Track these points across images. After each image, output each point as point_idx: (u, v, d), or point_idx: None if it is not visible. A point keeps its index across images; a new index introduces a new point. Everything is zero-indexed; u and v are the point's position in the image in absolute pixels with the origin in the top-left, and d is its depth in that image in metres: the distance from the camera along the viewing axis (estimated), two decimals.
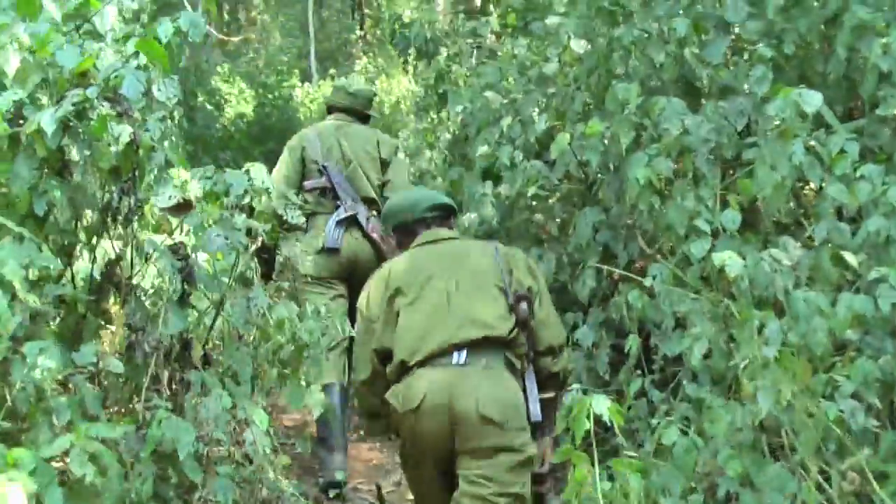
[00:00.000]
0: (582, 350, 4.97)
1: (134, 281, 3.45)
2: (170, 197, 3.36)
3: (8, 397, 2.81)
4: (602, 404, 2.81)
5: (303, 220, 4.28)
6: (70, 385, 3.11)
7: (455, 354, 3.62)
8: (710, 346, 3.75)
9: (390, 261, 4.11)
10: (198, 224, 3.50)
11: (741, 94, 4.49)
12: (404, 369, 3.67)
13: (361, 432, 6.14)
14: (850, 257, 3.59)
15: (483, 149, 5.75)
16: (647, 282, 4.23)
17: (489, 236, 5.90)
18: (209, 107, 10.78)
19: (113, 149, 3.24)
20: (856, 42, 4.21)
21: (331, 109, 6.09)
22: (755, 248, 3.98)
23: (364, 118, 6.06)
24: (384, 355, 3.78)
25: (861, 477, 3.12)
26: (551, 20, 5.72)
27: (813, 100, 3.75)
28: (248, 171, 3.62)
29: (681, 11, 4.70)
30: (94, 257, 3.46)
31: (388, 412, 3.75)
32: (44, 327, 3.24)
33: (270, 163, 5.32)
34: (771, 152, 3.85)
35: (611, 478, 2.95)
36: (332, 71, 18.71)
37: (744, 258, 3.70)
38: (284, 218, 4.11)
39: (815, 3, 4.49)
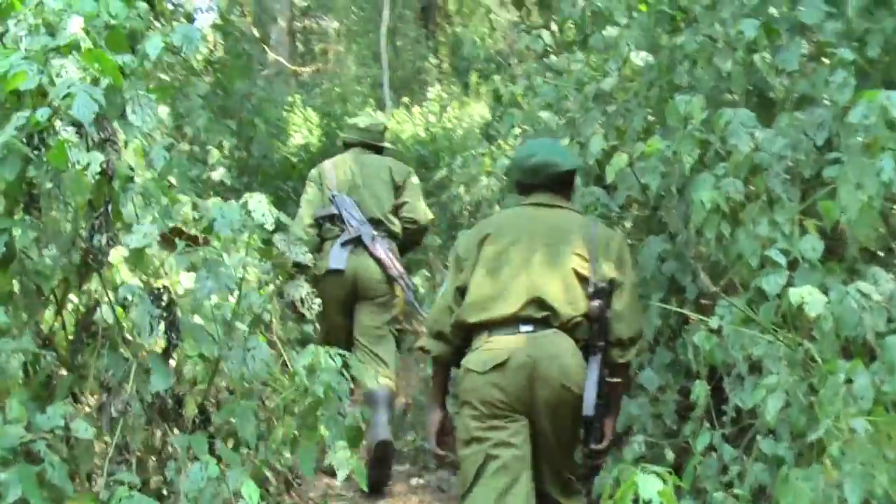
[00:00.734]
0: (647, 395, 4.43)
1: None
2: (144, 234, 2.88)
3: None
4: (651, 487, 2.27)
5: (308, 257, 3.90)
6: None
7: (521, 325, 3.74)
8: (788, 399, 3.17)
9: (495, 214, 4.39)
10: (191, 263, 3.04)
11: (820, 104, 3.90)
12: (471, 325, 3.82)
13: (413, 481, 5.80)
14: None
15: None
16: (715, 321, 3.68)
17: None
18: (270, 136, 10.42)
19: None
20: None
21: (347, 146, 6.49)
22: (839, 281, 3.40)
23: (377, 150, 6.45)
24: (460, 292, 3.93)
25: None
26: (610, 31, 5.20)
27: None
28: (244, 204, 3.15)
29: (749, 13, 4.14)
30: (67, 304, 3.01)
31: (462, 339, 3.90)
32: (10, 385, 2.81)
33: None
34: (856, 169, 3.24)
35: None
36: (405, 99, 18.40)
37: (826, 293, 3.15)
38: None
39: None
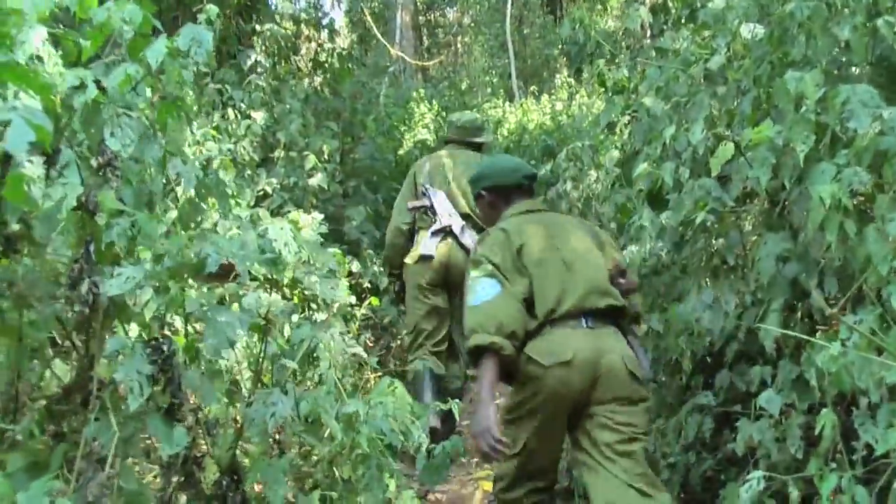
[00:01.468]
0: (768, 419, 3.83)
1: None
2: (126, 279, 2.42)
3: None
4: None
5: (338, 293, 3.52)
6: None
7: (583, 319, 3.96)
8: None
9: (499, 225, 4.31)
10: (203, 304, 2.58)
11: None
12: (539, 327, 3.95)
13: None
14: None
15: (642, 167, 4.66)
16: (840, 339, 3.08)
17: (655, 273, 4.82)
18: (382, 134, 10.02)
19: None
20: None
21: (446, 142, 6.86)
22: None
23: (475, 146, 6.71)
24: (518, 297, 3.98)
25: None
26: (717, 1, 4.58)
27: None
28: (264, 232, 2.68)
29: None
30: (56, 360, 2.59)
31: (519, 367, 3.94)
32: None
33: None
34: None
35: None
36: (532, 88, 17.92)
37: None
38: None
39: None
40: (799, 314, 4.14)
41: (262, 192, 7.03)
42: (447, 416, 5.30)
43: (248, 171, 6.85)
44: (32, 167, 2.25)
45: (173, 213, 3.29)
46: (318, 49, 9.63)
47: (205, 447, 2.67)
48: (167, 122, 3.00)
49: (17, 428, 2.49)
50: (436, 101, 14.31)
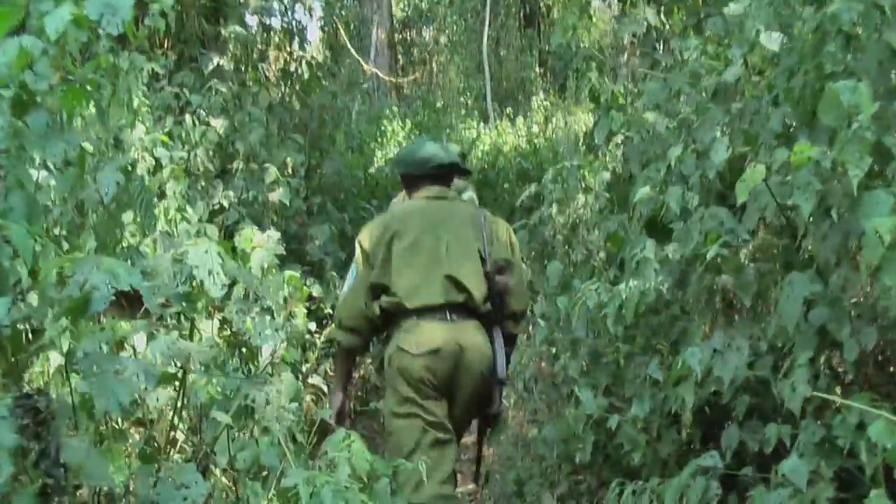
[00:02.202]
0: (789, 489, 3.22)
1: None
2: None
3: None
4: None
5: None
6: None
7: (447, 312, 4.08)
8: None
9: (394, 206, 4.72)
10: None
11: None
12: (401, 311, 4.10)
13: None
14: None
15: (643, 191, 4.06)
16: None
17: (655, 311, 4.20)
18: (352, 150, 9.38)
19: None
20: None
21: None
22: None
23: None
24: (377, 290, 4.17)
25: None
26: (733, 7, 3.98)
27: None
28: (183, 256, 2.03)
29: None
30: None
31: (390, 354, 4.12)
32: None
33: None
34: None
35: None
36: (508, 110, 17.40)
37: None
38: None
39: None
40: (821, 365, 3.56)
41: (218, 206, 6.37)
42: None
43: (203, 183, 6.19)
44: None
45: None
46: (288, 58, 9.01)
47: None
48: (75, 111, 2.35)
49: None
50: (409, 120, 13.74)
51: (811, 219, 3.27)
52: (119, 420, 2.21)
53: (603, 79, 5.22)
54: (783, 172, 3.18)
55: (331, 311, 6.57)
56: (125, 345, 2.40)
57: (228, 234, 6.38)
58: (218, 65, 7.05)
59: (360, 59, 16.99)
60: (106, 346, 2.03)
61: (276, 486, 2.53)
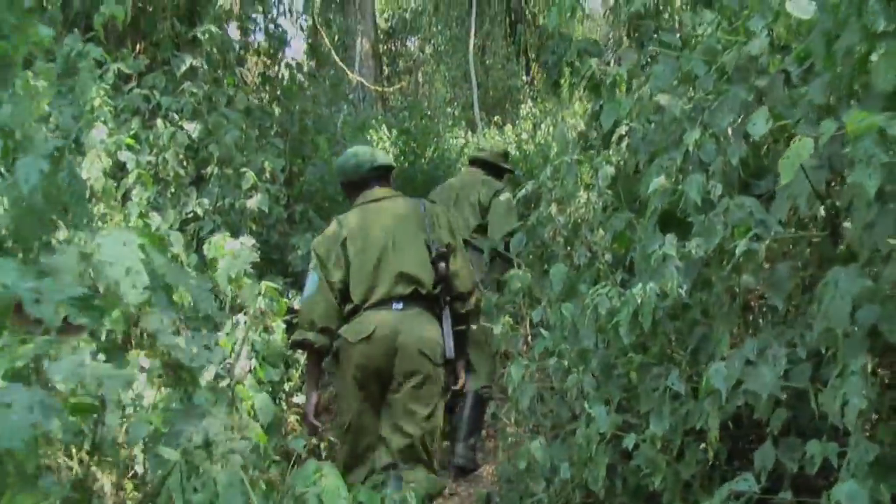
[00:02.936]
0: None
1: None
2: None
3: None
4: None
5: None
6: None
7: (394, 303, 4.42)
8: None
9: (342, 215, 4.72)
10: None
11: None
12: (355, 310, 4.46)
13: None
14: None
15: (658, 181, 3.56)
16: None
17: (672, 317, 3.69)
18: (337, 157, 8.86)
19: None
20: None
21: (469, 162, 7.05)
22: None
23: (492, 169, 6.83)
24: (336, 291, 4.49)
25: None
26: None
27: None
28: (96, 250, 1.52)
29: None
30: None
31: (337, 345, 4.48)
32: None
33: None
34: None
35: None
36: (496, 119, 16.93)
37: None
38: None
39: None
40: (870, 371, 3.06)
41: (191, 214, 5.85)
42: None
43: (173, 189, 5.66)
44: None
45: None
46: (269, 62, 8.51)
47: None
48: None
49: None
50: (395, 129, 13.26)
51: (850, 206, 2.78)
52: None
53: (602, 66, 4.72)
54: (831, 148, 2.67)
55: None
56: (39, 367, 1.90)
57: (202, 244, 5.88)
58: (191, 66, 6.51)
59: (345, 68, 16.53)
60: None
61: None
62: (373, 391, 4.44)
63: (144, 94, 6.08)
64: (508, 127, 16.03)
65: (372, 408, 4.47)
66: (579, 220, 4.86)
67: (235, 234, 6.16)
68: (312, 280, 4.55)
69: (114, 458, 2.37)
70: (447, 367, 4.56)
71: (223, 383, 3.32)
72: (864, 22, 2.76)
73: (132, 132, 5.45)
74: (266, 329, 4.30)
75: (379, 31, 19.80)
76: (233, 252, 3.98)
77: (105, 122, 4.95)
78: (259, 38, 8.59)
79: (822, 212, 3.31)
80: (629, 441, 3.59)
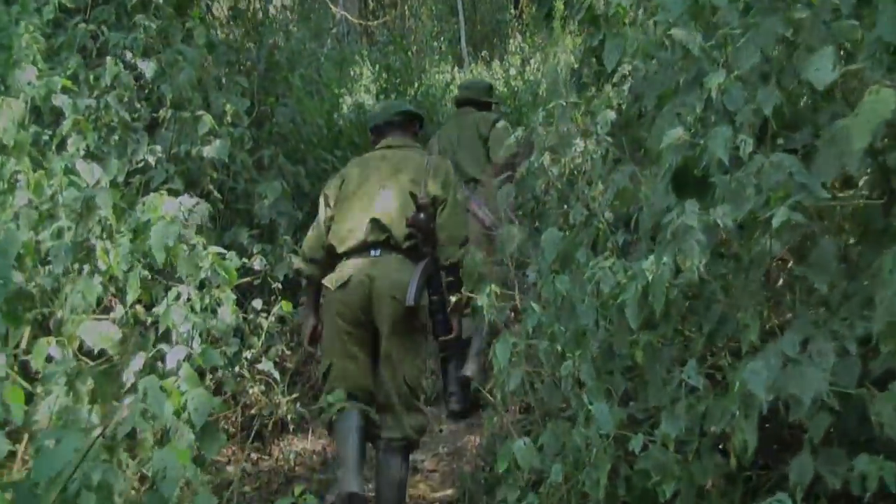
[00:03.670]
0: None
1: None
2: None
3: None
4: None
5: None
6: None
7: (371, 250, 4.54)
8: None
9: (355, 158, 5.05)
10: None
11: None
12: (336, 255, 4.62)
13: None
14: None
15: (674, 133, 2.89)
16: None
17: (690, 297, 3.05)
18: (311, 95, 8.06)
19: None
20: None
21: (457, 104, 6.98)
22: None
23: (482, 105, 6.82)
24: (328, 225, 4.72)
25: None
26: None
27: None
28: None
29: None
30: None
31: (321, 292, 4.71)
32: None
33: None
34: None
35: None
36: (484, 54, 16.19)
37: None
38: None
39: None
40: None
41: (142, 163, 5.15)
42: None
43: (118, 136, 4.95)
44: None
45: None
46: None
47: None
48: None
49: None
50: (379, 65, 12.50)
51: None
52: None
53: None
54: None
55: (280, 284, 5.43)
56: None
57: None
58: None
59: (327, 1, 15.73)
60: None
61: None
62: (355, 336, 4.50)
63: (91, 29, 5.33)
64: (496, 62, 15.36)
65: (354, 354, 4.52)
66: (575, 172, 4.18)
67: (192, 184, 5.49)
68: (317, 217, 4.78)
69: None
70: (435, 317, 4.64)
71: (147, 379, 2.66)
72: None
73: (69, 72, 4.73)
74: (215, 303, 3.64)
75: None
76: (170, 215, 3.30)
77: (35, 63, 4.25)
78: None
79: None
80: (636, 443, 2.97)
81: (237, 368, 4.91)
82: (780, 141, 2.94)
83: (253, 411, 5.15)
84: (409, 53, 13.87)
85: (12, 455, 3.03)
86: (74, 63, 4.88)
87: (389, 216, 4.53)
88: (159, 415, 2.57)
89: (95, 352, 3.28)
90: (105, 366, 3.25)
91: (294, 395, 5.49)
